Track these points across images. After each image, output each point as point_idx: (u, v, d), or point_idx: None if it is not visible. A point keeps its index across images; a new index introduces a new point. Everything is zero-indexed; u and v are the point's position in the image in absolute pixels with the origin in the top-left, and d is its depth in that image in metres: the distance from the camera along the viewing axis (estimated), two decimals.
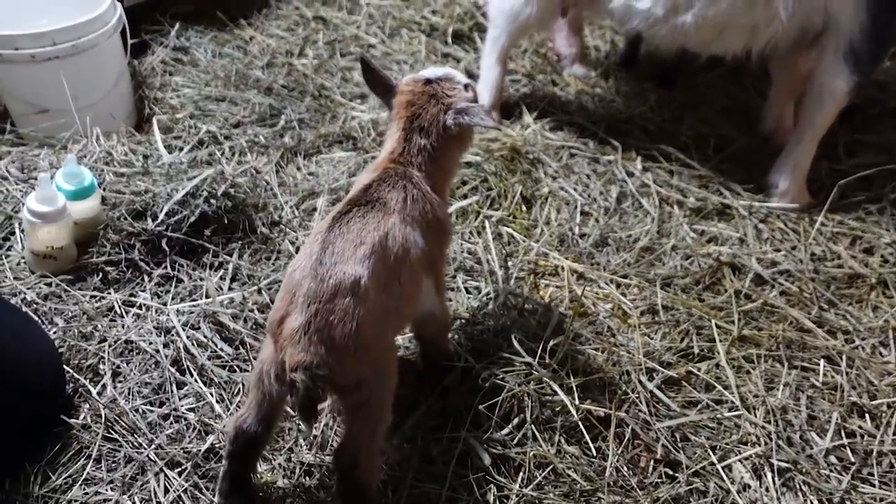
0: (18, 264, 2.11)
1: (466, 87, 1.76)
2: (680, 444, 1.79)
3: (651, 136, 2.80)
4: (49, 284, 2.03)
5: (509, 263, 2.20)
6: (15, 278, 2.05)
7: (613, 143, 2.73)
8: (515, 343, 1.87)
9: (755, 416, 1.86)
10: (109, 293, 2.03)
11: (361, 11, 3.40)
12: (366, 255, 1.47)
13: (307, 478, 1.70)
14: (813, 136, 2.52)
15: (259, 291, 2.05)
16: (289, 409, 1.79)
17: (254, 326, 1.97)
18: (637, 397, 1.86)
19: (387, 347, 1.56)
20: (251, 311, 1.99)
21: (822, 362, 2.01)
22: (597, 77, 3.15)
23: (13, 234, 2.17)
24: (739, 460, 1.77)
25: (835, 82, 2.41)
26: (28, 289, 2.01)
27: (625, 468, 1.73)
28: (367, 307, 1.44)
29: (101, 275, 2.08)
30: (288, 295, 1.45)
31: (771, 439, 1.80)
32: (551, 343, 1.91)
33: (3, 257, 2.11)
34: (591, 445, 1.75)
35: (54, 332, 1.91)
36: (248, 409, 1.55)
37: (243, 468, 1.59)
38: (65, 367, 1.83)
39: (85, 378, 1.83)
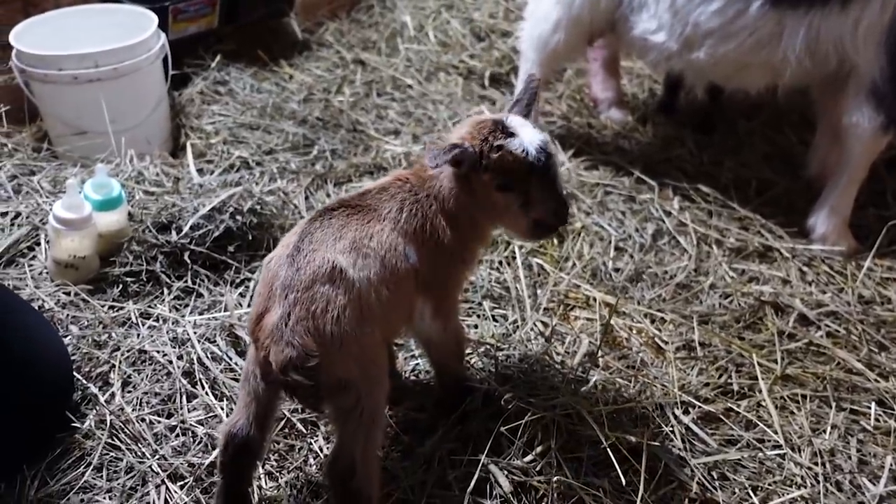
0: (40, 273, 2.09)
1: (499, 148, 1.48)
2: (717, 483, 1.66)
3: (689, 177, 2.73)
4: (68, 293, 2.01)
5: (538, 292, 2.12)
6: (35, 287, 2.03)
7: (650, 182, 2.67)
8: (542, 368, 1.77)
9: (800, 456, 1.72)
10: (128, 304, 1.99)
11: (400, 55, 3.43)
12: (346, 248, 1.39)
13: (314, 499, 1.60)
14: (848, 179, 2.44)
15: None
16: (300, 427, 1.72)
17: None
18: (671, 431, 1.74)
19: (374, 346, 1.43)
20: None
21: (873, 405, 1.86)
22: (634, 122, 3.11)
23: (38, 244, 2.16)
24: (783, 503, 1.62)
25: (858, 122, 2.35)
26: (47, 296, 1.98)
27: None
28: (351, 297, 1.35)
29: (121, 286, 2.04)
30: (265, 289, 1.38)
31: (818, 482, 1.66)
32: (580, 370, 1.81)
33: (27, 265, 2.09)
34: (620, 478, 1.62)
35: (68, 340, 1.86)
36: (237, 413, 1.47)
37: (238, 481, 1.49)
38: (75, 373, 1.78)
39: (94, 385, 1.78)
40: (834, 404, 1.86)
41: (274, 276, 1.36)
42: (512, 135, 1.50)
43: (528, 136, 1.49)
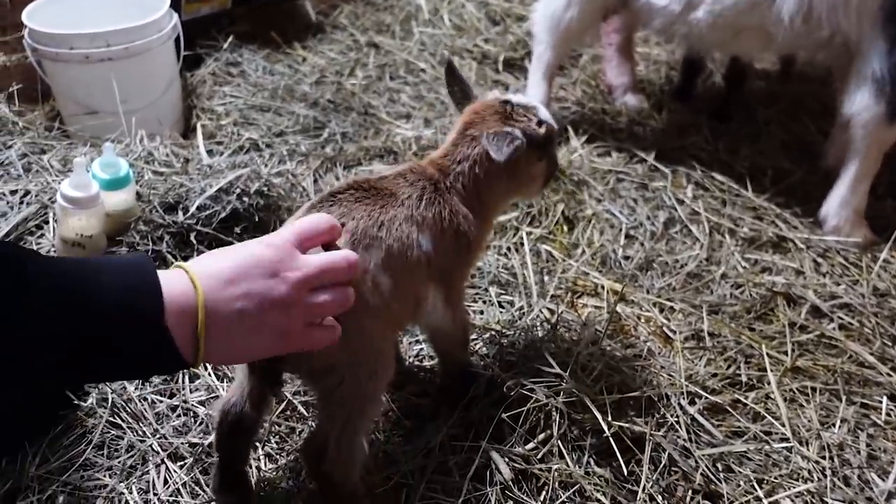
0: (48, 252, 2.09)
1: (541, 123, 1.62)
2: (722, 475, 1.63)
3: (704, 165, 2.69)
4: None
5: (546, 279, 2.10)
6: None
7: (663, 169, 2.63)
8: (546, 355, 1.75)
9: (808, 450, 1.69)
10: None
11: (414, 39, 3.41)
12: (348, 231, 1.36)
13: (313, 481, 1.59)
14: (858, 170, 2.38)
15: None
16: (301, 410, 1.72)
17: None
18: (676, 421, 1.71)
19: (371, 337, 1.40)
20: None
21: (884, 399, 1.83)
22: (649, 108, 3.06)
23: (46, 222, 2.16)
24: (789, 496, 1.59)
25: (858, 111, 2.29)
26: None
27: (659, 496, 1.58)
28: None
29: None
30: None
31: (825, 476, 1.63)
32: (585, 358, 1.78)
33: (35, 244, 2.09)
34: (623, 468, 1.60)
35: None
36: (231, 390, 1.46)
37: (233, 459, 1.48)
38: None
39: None
40: (844, 398, 1.83)
41: None
42: (533, 107, 1.62)
43: (541, 106, 1.65)
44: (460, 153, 1.59)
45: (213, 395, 1.73)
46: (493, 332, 1.90)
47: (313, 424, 1.70)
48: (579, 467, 1.59)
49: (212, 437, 1.62)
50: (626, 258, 2.26)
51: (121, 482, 1.55)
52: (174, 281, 1.11)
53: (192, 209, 2.07)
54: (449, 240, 1.52)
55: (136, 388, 1.72)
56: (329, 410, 1.39)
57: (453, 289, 1.60)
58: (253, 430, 1.46)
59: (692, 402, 1.77)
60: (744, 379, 1.87)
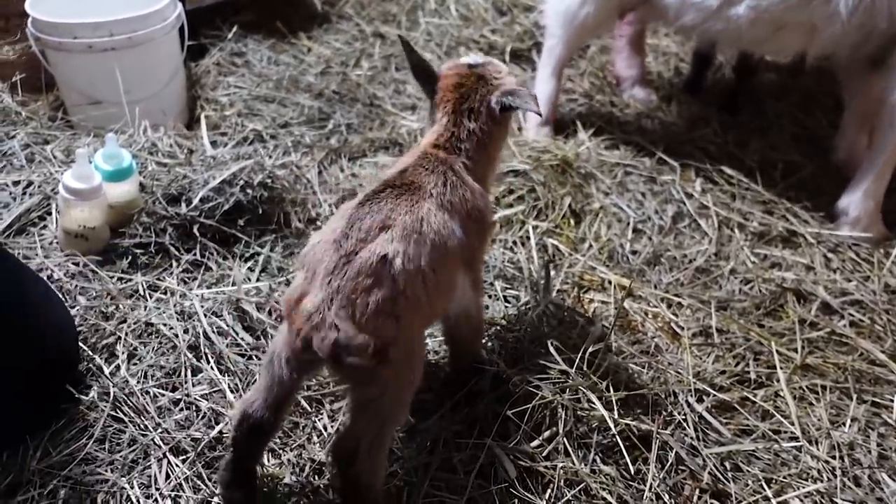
0: (51, 243, 2.07)
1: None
2: (730, 474, 1.61)
3: (713, 158, 2.65)
4: (77, 264, 1.99)
5: (552, 273, 2.07)
6: (45, 256, 2.02)
7: (672, 163, 2.59)
8: (552, 350, 1.72)
9: (818, 449, 1.66)
10: (136, 276, 1.98)
11: (420, 29, 3.37)
12: (395, 237, 1.35)
13: (316, 476, 1.58)
14: (886, 161, 2.34)
15: (287, 284, 1.97)
16: (305, 405, 1.70)
17: (278, 318, 1.88)
18: (684, 419, 1.69)
19: (411, 341, 1.41)
20: (277, 302, 1.91)
21: (895, 398, 1.80)
22: (658, 100, 3.03)
23: (49, 213, 2.15)
24: (798, 496, 1.57)
25: None
26: (56, 266, 1.97)
27: (666, 495, 1.56)
28: (395, 291, 1.31)
29: (130, 258, 2.02)
30: (308, 273, 1.34)
31: (835, 476, 1.60)
32: (591, 354, 1.76)
33: (37, 235, 2.08)
34: (629, 466, 1.58)
35: (76, 311, 1.85)
36: (256, 393, 1.44)
37: (247, 458, 1.47)
38: (81, 344, 1.77)
39: (100, 357, 1.76)
40: (855, 396, 1.80)
41: (318, 261, 1.33)
42: (493, 61, 1.64)
43: (494, 59, 1.66)
44: (464, 129, 1.57)
45: (215, 388, 1.72)
46: (498, 327, 1.88)
47: (315, 420, 1.69)
48: (585, 465, 1.57)
49: (214, 432, 1.61)
50: (634, 253, 2.23)
51: (122, 476, 1.54)
52: None
53: (196, 201, 2.05)
54: (473, 221, 1.51)
55: (138, 382, 1.71)
56: (365, 417, 1.37)
57: (477, 270, 1.61)
58: (271, 433, 1.45)
59: (700, 400, 1.75)
60: (752, 376, 1.84)
